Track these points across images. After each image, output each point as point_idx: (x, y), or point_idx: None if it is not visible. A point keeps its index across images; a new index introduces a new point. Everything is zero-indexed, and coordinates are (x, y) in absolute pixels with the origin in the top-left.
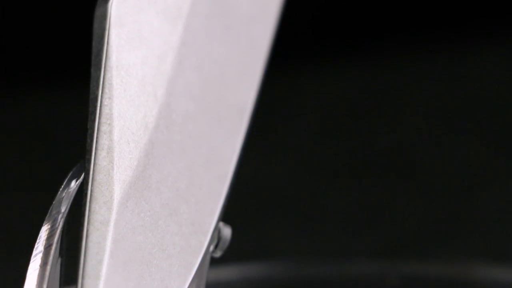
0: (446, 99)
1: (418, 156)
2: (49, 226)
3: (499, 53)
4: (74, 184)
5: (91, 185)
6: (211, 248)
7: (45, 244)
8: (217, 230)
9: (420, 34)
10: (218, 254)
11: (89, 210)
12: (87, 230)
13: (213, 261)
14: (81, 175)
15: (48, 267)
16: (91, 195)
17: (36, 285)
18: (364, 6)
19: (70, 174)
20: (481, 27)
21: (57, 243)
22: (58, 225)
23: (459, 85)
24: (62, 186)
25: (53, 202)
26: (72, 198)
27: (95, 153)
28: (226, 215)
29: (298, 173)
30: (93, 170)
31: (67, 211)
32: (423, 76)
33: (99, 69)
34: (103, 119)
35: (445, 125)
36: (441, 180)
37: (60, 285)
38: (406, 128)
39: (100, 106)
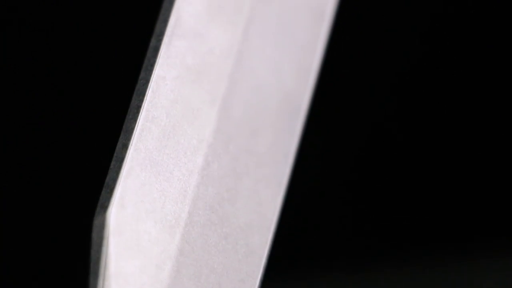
0: None
1: None
2: None
3: (504, 265)
4: None
5: None
6: None
7: None
8: None
9: (426, 247)
10: None
11: None
12: None
13: None
14: None
15: None
16: None
17: None
18: (369, 220)
19: None
20: (487, 241)
21: None
22: None
23: None
24: None
25: None
26: None
27: None
28: None
29: None
30: None
31: None
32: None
33: (98, 277)
34: None
35: None
36: None
37: None
38: None
39: None
